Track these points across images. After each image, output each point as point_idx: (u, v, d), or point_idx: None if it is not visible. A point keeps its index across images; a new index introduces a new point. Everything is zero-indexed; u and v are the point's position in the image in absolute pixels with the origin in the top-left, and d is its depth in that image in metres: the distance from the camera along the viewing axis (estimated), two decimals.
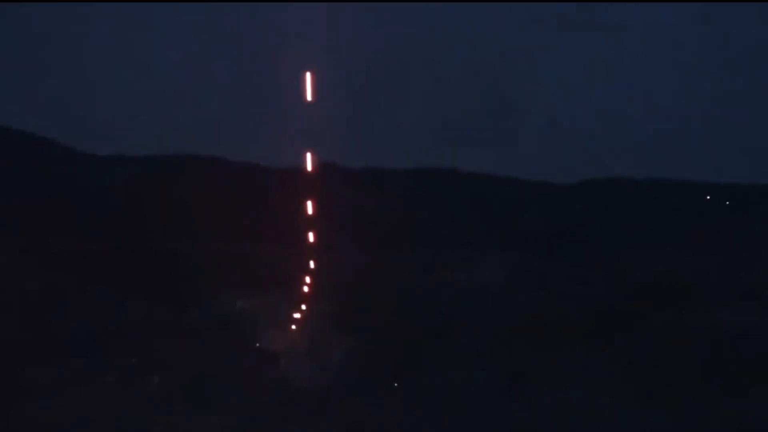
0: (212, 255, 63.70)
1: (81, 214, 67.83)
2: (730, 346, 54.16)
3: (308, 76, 40.97)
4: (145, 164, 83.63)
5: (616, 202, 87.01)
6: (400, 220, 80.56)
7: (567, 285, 64.78)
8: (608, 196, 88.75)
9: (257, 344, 56.64)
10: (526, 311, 59.61)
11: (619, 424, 46.61)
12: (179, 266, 62.68)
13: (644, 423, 47.16)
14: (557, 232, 76.73)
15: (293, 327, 60.43)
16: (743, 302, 58.23)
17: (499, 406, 49.81)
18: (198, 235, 65.41)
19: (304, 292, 62.11)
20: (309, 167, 52.56)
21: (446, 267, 68.84)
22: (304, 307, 60.95)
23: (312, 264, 62.80)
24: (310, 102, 44.07)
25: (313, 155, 54.42)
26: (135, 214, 67.90)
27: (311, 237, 59.23)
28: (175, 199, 71.00)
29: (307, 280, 62.99)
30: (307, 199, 56.25)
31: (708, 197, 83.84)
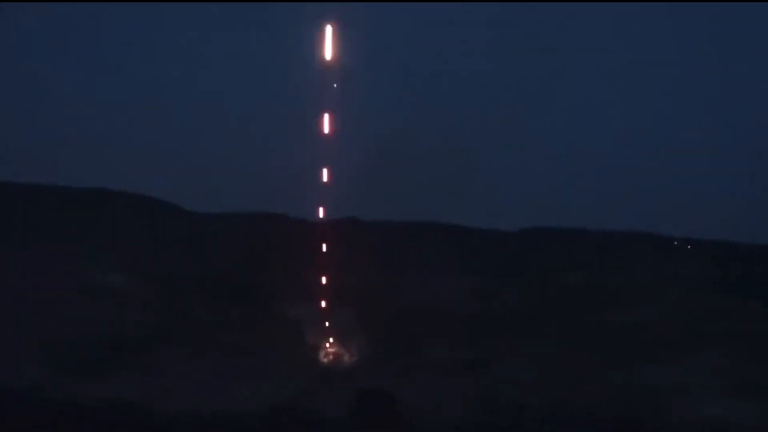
0: (282, 283, 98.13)
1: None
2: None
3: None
4: (232, 219, 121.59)
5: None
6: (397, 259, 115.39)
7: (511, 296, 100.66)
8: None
9: (306, 339, 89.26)
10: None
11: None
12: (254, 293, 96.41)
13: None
14: (505, 263, 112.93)
15: (327, 325, 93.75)
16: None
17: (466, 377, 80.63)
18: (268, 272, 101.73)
19: (332, 304, 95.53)
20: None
21: (426, 288, 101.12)
22: (332, 312, 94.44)
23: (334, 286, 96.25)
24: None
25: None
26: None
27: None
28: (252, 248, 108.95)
29: (333, 296, 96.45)
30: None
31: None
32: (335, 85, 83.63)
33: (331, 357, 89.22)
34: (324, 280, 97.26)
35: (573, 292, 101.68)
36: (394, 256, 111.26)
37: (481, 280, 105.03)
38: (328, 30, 79.62)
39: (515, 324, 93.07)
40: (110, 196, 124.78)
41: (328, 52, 79.01)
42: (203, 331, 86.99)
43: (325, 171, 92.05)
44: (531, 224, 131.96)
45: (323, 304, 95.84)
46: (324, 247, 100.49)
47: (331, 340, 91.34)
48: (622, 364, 79.92)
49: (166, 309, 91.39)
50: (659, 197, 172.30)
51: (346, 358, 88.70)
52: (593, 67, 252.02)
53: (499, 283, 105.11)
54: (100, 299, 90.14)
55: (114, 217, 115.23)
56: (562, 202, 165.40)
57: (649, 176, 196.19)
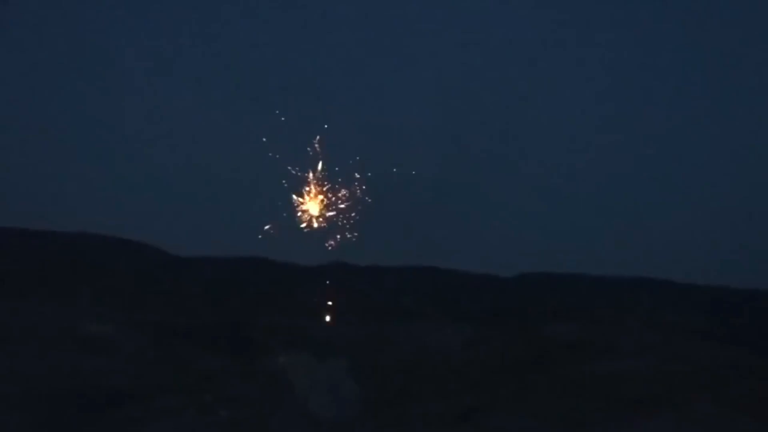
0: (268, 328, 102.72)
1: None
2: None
3: None
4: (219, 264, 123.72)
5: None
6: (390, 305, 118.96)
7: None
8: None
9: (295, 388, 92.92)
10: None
11: None
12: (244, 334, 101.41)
13: None
14: (502, 310, 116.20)
15: (317, 376, 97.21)
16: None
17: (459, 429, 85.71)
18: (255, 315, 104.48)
19: (322, 354, 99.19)
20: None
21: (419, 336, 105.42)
22: (322, 362, 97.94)
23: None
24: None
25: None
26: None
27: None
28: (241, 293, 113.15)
29: (322, 345, 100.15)
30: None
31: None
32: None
33: (320, 407, 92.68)
34: (313, 328, 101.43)
35: (569, 340, 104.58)
36: (385, 302, 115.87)
37: (475, 328, 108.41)
38: None
39: (510, 374, 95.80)
40: (89, 239, 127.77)
41: None
42: (191, 382, 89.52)
43: (314, 213, 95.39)
44: (531, 269, 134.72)
45: (313, 354, 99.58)
46: (313, 294, 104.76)
47: (321, 390, 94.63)
48: (620, 416, 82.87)
49: (152, 360, 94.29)
50: (660, 240, 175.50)
51: (337, 409, 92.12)
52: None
53: (495, 331, 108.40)
54: (86, 350, 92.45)
55: (95, 262, 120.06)
56: (560, 245, 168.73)
57: (648, 217, 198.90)
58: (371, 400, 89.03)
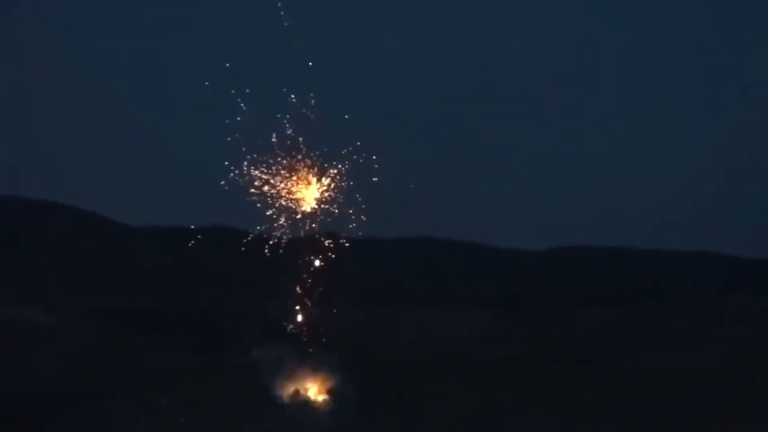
0: (237, 312, 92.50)
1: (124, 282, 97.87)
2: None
3: None
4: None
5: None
6: (390, 284, 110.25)
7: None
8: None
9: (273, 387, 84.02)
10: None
11: None
12: (208, 321, 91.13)
13: None
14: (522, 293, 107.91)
15: (303, 374, 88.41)
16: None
17: None
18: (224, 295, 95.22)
19: (309, 346, 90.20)
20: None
21: (427, 323, 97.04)
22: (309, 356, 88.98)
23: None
24: None
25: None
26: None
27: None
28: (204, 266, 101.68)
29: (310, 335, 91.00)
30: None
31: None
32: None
33: (309, 414, 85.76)
34: (298, 314, 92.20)
35: (609, 329, 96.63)
36: (383, 283, 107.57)
37: (494, 314, 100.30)
38: None
39: (533, 370, 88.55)
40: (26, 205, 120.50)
41: None
42: (149, 380, 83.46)
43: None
44: (561, 243, 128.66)
45: (298, 345, 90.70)
46: (299, 271, 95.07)
47: (309, 392, 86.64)
48: (657, 423, 76.60)
49: (105, 353, 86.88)
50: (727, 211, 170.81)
51: (328, 413, 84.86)
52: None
53: (516, 317, 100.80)
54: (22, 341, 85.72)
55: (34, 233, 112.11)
56: (597, 213, 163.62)
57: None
58: (367, 404, 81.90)
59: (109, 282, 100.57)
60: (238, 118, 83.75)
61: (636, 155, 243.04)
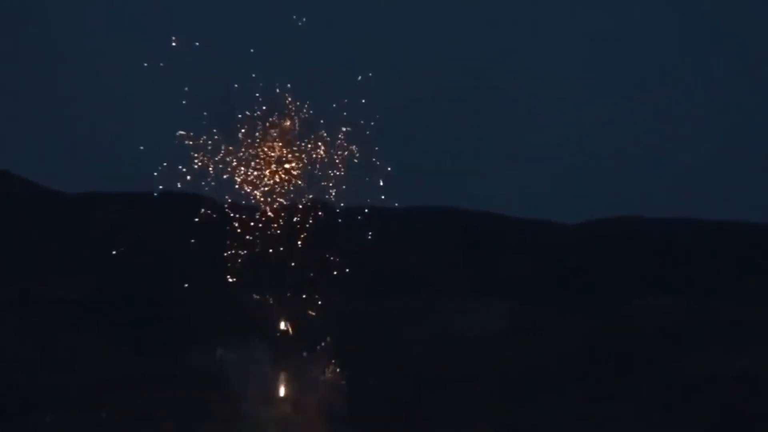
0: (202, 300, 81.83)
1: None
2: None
3: None
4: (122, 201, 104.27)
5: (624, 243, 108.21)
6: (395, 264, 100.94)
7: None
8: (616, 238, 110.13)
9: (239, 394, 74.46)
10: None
11: None
12: (166, 311, 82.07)
13: None
14: (557, 277, 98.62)
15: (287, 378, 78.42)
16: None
17: None
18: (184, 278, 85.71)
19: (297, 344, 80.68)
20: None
21: (440, 315, 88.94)
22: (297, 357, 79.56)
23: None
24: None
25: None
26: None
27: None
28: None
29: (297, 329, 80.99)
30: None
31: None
32: None
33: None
34: (279, 301, 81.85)
35: (664, 325, 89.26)
36: (388, 265, 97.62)
37: (523, 304, 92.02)
38: None
39: (571, 372, 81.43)
40: None
41: None
42: (83, 390, 75.59)
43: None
44: (602, 214, 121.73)
45: (276, 345, 79.99)
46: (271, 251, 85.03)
47: (286, 406, 75.96)
48: None
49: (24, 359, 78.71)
50: None
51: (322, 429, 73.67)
52: None
53: (549, 308, 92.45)
54: None
55: None
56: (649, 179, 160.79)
57: None
58: (374, 412, 72.79)
59: (37, 262, 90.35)
60: None
61: None
